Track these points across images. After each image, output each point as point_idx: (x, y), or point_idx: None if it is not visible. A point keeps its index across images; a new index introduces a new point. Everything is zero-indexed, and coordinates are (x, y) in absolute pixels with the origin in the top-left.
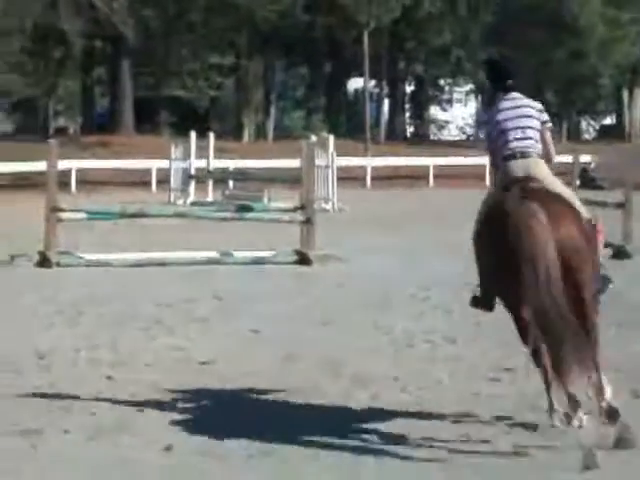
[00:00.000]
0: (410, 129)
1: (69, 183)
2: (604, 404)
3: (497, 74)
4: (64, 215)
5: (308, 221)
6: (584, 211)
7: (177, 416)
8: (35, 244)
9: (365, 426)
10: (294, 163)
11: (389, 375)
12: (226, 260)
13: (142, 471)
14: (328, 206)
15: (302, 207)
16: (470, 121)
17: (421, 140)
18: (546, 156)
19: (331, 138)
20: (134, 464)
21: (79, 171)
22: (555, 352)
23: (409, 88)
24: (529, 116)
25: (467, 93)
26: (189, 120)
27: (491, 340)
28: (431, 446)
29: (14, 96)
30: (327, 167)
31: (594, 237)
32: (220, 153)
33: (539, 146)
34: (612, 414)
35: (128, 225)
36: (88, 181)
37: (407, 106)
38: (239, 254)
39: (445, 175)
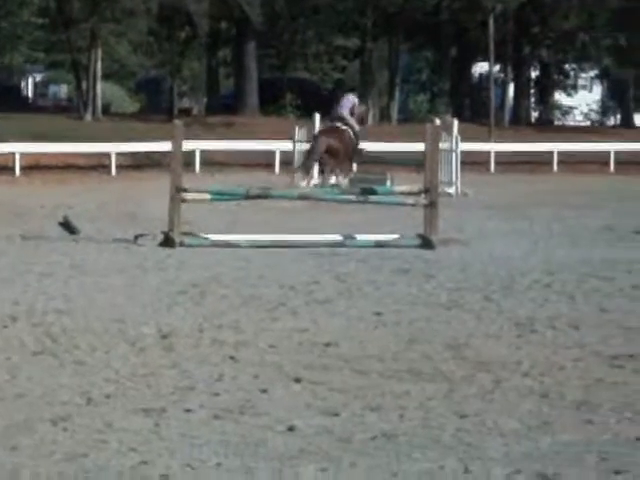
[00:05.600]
0: (535, 114)
1: (193, 163)
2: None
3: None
4: (188, 195)
5: (432, 205)
6: (352, 134)
7: (300, 397)
8: (158, 224)
9: (487, 408)
10: (418, 146)
11: (512, 360)
12: (349, 243)
13: (266, 451)
14: (451, 190)
15: (426, 190)
16: (595, 107)
17: (545, 125)
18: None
19: (455, 122)
20: (257, 444)
21: (203, 152)
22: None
23: (534, 73)
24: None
25: (592, 79)
26: (313, 102)
27: (614, 326)
28: (553, 431)
29: (139, 76)
30: (451, 151)
31: (350, 145)
32: None
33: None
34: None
35: (251, 206)
36: (212, 162)
37: (532, 91)
38: (362, 237)
39: (569, 161)
